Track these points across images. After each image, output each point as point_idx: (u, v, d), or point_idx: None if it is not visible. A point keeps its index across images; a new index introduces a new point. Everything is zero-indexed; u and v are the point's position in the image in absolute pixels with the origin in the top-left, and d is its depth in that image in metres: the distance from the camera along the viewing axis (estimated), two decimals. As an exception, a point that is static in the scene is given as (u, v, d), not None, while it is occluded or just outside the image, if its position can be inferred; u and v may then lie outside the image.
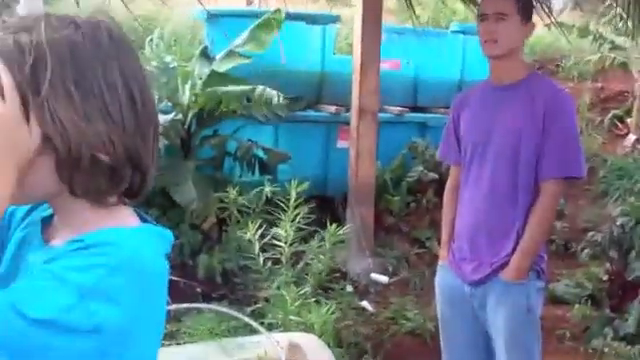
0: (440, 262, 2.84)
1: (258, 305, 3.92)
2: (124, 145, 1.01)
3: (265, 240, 3.89)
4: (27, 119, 0.97)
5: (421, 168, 5.73)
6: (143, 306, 0.99)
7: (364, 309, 4.43)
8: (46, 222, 1.11)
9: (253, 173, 5.18)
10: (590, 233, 5.09)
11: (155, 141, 1.07)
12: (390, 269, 5.06)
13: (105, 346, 0.94)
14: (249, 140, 5.16)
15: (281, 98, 4.73)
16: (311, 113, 5.82)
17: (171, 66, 5.04)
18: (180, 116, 4.87)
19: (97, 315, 0.93)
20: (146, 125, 1.04)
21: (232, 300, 4.33)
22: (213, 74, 4.84)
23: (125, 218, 1.07)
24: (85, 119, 0.98)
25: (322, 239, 3.98)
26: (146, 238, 1.04)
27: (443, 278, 2.80)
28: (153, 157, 1.06)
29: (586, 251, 5.01)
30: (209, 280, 4.55)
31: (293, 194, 3.89)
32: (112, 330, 0.95)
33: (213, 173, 5.12)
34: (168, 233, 1.09)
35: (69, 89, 0.98)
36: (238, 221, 4.42)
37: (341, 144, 5.67)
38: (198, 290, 4.35)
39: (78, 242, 0.98)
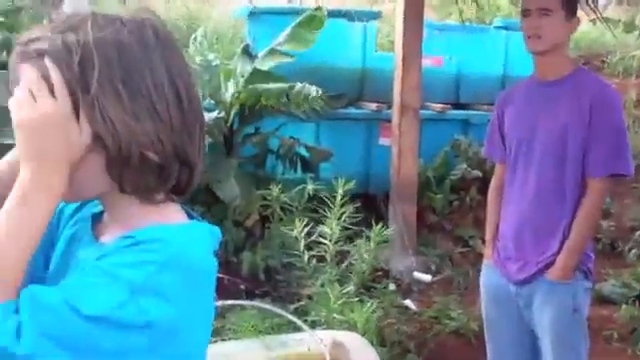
0: (485, 261, 2.81)
1: (301, 303, 3.93)
2: (172, 143, 1.02)
3: (310, 238, 3.89)
4: (77, 117, 0.99)
5: (464, 166, 5.68)
6: (192, 302, 1.00)
7: (407, 308, 4.41)
8: (96, 219, 1.13)
9: (295, 171, 5.18)
10: (637, 232, 4.99)
11: (201, 138, 1.08)
12: (433, 268, 5.03)
13: (156, 342, 0.96)
14: (291, 137, 5.17)
15: (320, 94, 4.72)
16: (352, 110, 5.80)
17: (214, 64, 5.08)
18: (223, 114, 4.89)
19: (148, 311, 0.94)
20: (192, 123, 1.05)
21: (275, 297, 4.35)
22: (255, 72, 4.86)
23: (173, 215, 1.08)
24: (134, 118, 0.99)
25: (367, 238, 3.96)
26: (195, 235, 1.05)
27: (488, 277, 2.77)
28: (200, 154, 1.07)
29: (634, 251, 4.93)
30: (252, 277, 4.57)
31: (340, 192, 3.88)
32: (162, 326, 0.96)
33: (255, 170, 5.14)
34: (216, 230, 1.10)
35: (117, 88, 0.99)
36: (281, 219, 4.43)
37: (383, 141, 5.65)
38: (242, 287, 4.37)
39: (129, 238, 0.99)
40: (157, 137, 1.00)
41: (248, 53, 5.23)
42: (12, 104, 0.99)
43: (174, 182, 1.04)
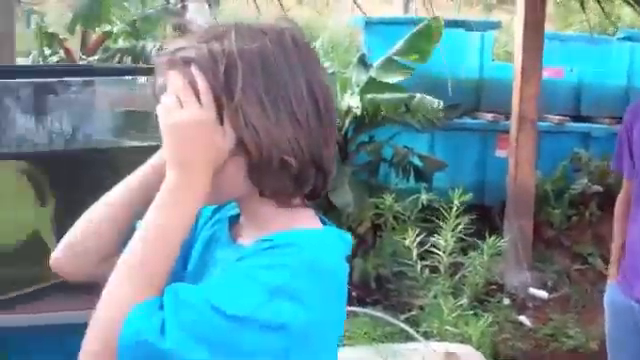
0: (609, 281, 2.71)
1: (412, 313, 3.90)
2: (309, 149, 1.04)
3: (423, 248, 3.86)
4: (221, 123, 1.02)
5: (585, 180, 5.50)
6: (326, 306, 1.02)
7: (521, 324, 4.30)
8: (232, 221, 1.16)
9: (408, 180, 5.16)
10: None
11: (334, 145, 1.09)
12: (549, 284, 4.89)
13: (290, 344, 0.97)
14: (405, 147, 5.15)
15: (441, 106, 4.68)
16: (468, 121, 5.72)
17: (329, 72, 5.12)
18: (338, 122, 4.93)
19: (284, 314, 0.96)
20: (329, 130, 1.08)
21: (386, 306, 4.33)
22: (371, 81, 4.87)
23: (309, 219, 1.10)
24: (275, 124, 1.02)
25: (480, 250, 3.90)
26: (329, 240, 1.07)
27: (612, 298, 2.67)
28: (333, 161, 1.08)
29: None
30: (363, 284, 4.57)
31: (455, 203, 3.84)
32: (296, 329, 0.97)
33: (368, 178, 5.15)
34: (348, 236, 1.11)
35: (260, 95, 1.02)
36: (393, 227, 4.42)
37: (500, 153, 5.54)
38: (353, 294, 4.38)
39: (267, 241, 1.02)
40: (297, 143, 1.03)
41: (364, 62, 5.25)
42: (160, 110, 1.03)
43: (310, 187, 1.06)
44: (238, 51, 1.02)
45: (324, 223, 1.13)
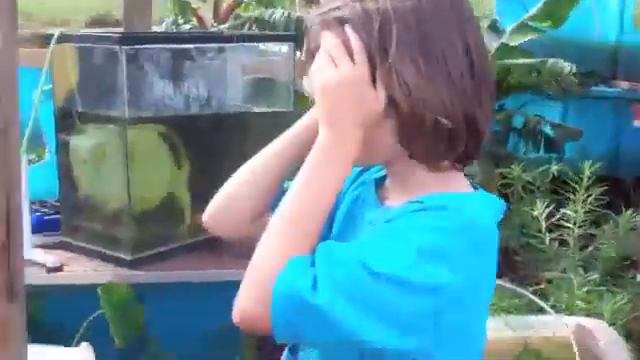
0: None
1: (540, 286, 3.80)
2: (463, 110, 1.03)
3: (551, 220, 3.75)
4: (374, 83, 1.02)
5: None
6: (478, 270, 1.01)
7: (657, 302, 4.11)
8: (378, 184, 1.16)
9: (537, 150, 5.01)
10: None
11: (491, 108, 1.07)
12: (687, 261, 4.64)
13: (440, 307, 0.97)
14: (536, 115, 5.00)
15: (574, 71, 4.50)
16: (604, 89, 5.47)
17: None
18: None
19: (435, 276, 0.95)
20: (484, 90, 1.05)
21: (512, 278, 4.24)
22: (502, 47, 4.74)
23: (460, 183, 1.09)
24: (429, 83, 1.01)
25: (614, 223, 3.75)
26: (482, 204, 1.06)
27: None
28: (488, 122, 1.06)
29: None
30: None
31: (586, 174, 3.70)
32: (448, 292, 0.97)
33: (497, 148, 5.03)
34: (500, 201, 1.09)
35: (414, 54, 1.01)
36: (521, 198, 4.31)
37: (637, 124, 5.28)
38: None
39: (417, 204, 1.01)
40: (450, 103, 1.02)
41: (495, 28, 5.11)
42: (313, 69, 1.05)
43: (461, 150, 1.05)
44: (393, 9, 1.02)
45: (475, 188, 1.12)
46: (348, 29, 1.02)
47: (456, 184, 1.08)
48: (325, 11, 1.06)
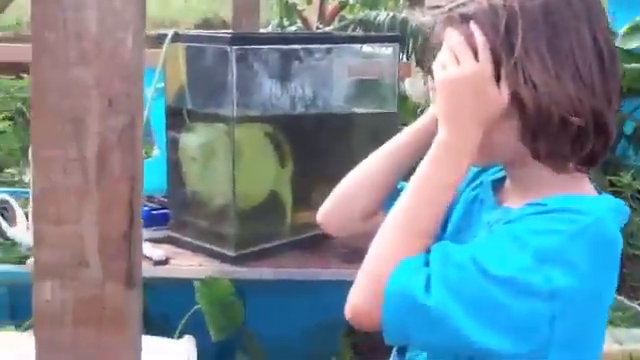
0: None
1: (649, 299, 3.66)
2: (592, 108, 1.00)
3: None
4: (497, 79, 1.00)
5: None
6: (599, 276, 0.98)
7: None
8: (496, 185, 1.14)
9: (648, 156, 4.81)
10: None
11: (618, 107, 1.03)
12: None
13: (557, 312, 0.95)
14: (647, 121, 4.80)
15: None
16: None
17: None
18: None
19: (554, 280, 0.93)
20: (612, 88, 1.01)
21: (619, 290, 4.10)
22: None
23: (584, 186, 1.06)
24: (556, 80, 0.99)
25: None
26: (608, 208, 1.02)
27: None
28: (614, 122, 1.02)
29: None
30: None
31: None
32: (566, 297, 0.94)
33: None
34: (625, 207, 1.06)
35: (541, 50, 0.99)
36: (631, 207, 4.15)
37: None
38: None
39: (539, 206, 0.99)
40: (578, 100, 0.99)
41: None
42: (435, 66, 1.04)
43: (588, 151, 1.02)
44: (520, 4, 1.00)
45: (599, 192, 1.09)
46: (472, 25, 1.01)
47: (580, 187, 1.05)
48: (449, 8, 1.06)
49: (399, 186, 1.17)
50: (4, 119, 4.76)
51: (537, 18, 0.99)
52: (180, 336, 2.27)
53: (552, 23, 0.99)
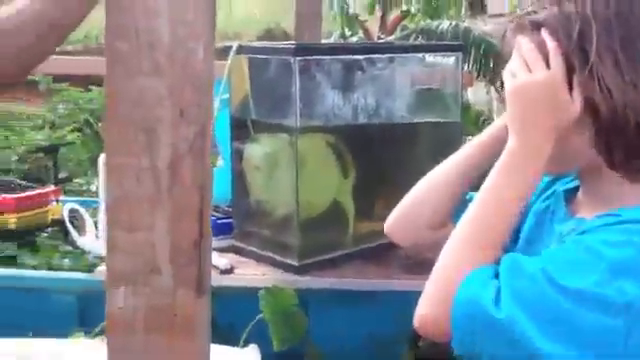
0: None
1: None
2: None
3: None
4: (570, 87, 0.99)
5: None
6: None
7: None
8: (568, 195, 1.12)
9: None
10: None
11: None
12: None
13: (631, 325, 0.92)
14: None
15: None
16: None
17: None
18: None
19: (628, 293, 0.91)
20: None
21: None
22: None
23: None
24: (632, 86, 0.96)
25: None
26: None
27: None
28: None
29: None
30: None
31: None
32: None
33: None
34: None
35: (616, 55, 0.97)
36: None
37: None
38: None
39: (613, 217, 0.97)
40: None
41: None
42: (505, 74, 1.03)
43: None
44: (592, 10, 0.99)
45: None
46: (544, 32, 1.00)
47: None
48: (520, 16, 1.05)
49: (468, 197, 1.16)
50: (73, 130, 4.89)
51: (611, 24, 0.97)
52: (244, 345, 2.29)
53: (626, 28, 0.97)
